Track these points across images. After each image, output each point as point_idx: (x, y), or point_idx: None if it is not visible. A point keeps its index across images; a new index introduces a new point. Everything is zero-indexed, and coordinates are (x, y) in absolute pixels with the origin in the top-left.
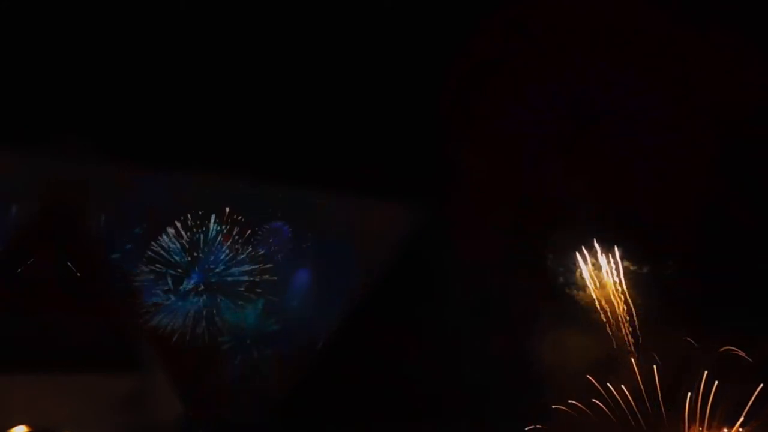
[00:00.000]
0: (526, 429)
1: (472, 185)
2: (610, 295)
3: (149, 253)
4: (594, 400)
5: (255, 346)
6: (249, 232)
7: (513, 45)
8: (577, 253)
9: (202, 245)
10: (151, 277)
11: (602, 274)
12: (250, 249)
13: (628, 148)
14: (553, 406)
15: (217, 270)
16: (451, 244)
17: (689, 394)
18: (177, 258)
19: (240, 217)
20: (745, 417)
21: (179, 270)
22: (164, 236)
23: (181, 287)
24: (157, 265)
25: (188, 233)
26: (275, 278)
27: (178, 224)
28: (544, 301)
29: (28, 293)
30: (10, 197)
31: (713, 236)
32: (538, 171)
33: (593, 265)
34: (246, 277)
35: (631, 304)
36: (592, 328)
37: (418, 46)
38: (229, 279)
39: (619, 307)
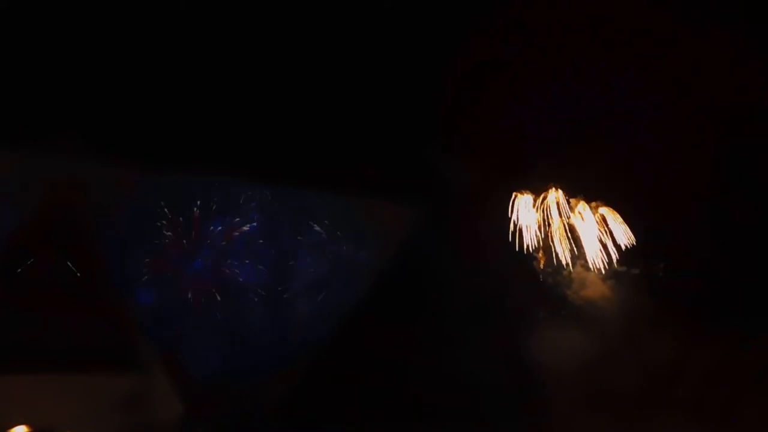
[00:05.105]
0: None
1: (471, 185)
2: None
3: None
4: (593, 399)
5: (255, 346)
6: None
7: (513, 45)
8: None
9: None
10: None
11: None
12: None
13: (627, 148)
14: (553, 406)
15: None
16: (451, 244)
17: (687, 392)
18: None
19: (238, 217)
20: (742, 417)
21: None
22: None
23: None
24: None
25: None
26: (273, 278)
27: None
28: (543, 301)
29: (28, 293)
30: (10, 197)
31: (713, 236)
32: (537, 171)
33: None
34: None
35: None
36: (592, 327)
37: (417, 46)
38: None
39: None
